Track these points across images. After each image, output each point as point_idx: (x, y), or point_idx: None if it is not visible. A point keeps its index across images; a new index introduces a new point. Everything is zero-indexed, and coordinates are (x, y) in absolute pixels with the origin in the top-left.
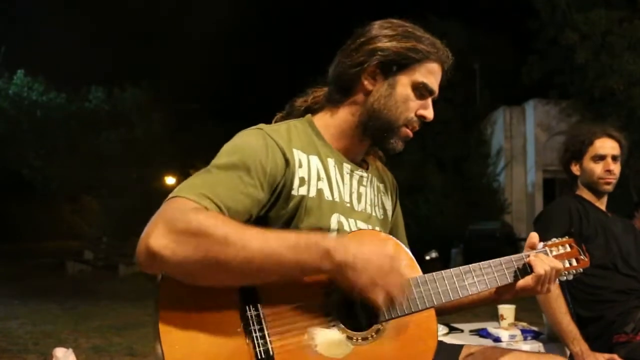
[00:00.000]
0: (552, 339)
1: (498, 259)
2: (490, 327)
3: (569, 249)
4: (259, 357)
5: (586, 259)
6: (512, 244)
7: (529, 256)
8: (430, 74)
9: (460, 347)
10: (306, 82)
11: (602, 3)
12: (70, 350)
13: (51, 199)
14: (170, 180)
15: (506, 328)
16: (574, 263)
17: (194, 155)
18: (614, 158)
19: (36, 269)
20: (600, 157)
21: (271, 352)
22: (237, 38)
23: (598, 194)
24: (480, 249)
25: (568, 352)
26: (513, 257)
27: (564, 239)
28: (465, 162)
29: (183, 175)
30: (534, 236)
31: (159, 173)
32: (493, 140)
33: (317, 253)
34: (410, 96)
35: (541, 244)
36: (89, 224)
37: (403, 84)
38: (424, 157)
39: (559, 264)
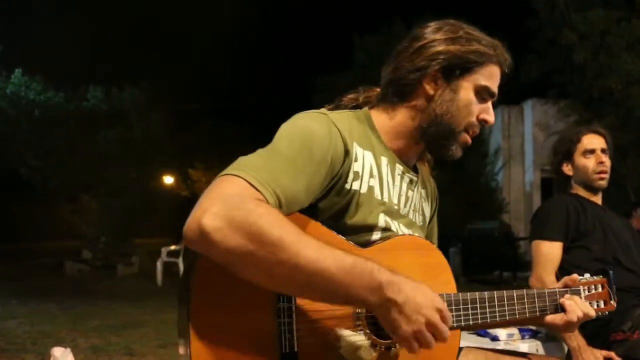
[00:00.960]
0: (550, 338)
1: (532, 290)
2: None
3: (600, 290)
4: (283, 351)
5: (614, 303)
6: (510, 244)
7: (562, 295)
8: (492, 77)
9: (460, 349)
10: (307, 83)
11: (601, 3)
12: (69, 349)
13: (50, 199)
14: (168, 179)
15: (504, 327)
16: (602, 305)
17: (193, 156)
18: (603, 151)
19: (35, 268)
20: (591, 151)
21: (296, 348)
22: (237, 38)
23: (593, 190)
24: (478, 249)
25: (566, 349)
26: (547, 291)
27: (597, 279)
28: (463, 161)
29: (182, 175)
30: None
31: (158, 173)
32: (491, 140)
33: (369, 283)
34: (473, 100)
35: (577, 279)
36: (88, 223)
37: (466, 88)
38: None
39: (591, 311)
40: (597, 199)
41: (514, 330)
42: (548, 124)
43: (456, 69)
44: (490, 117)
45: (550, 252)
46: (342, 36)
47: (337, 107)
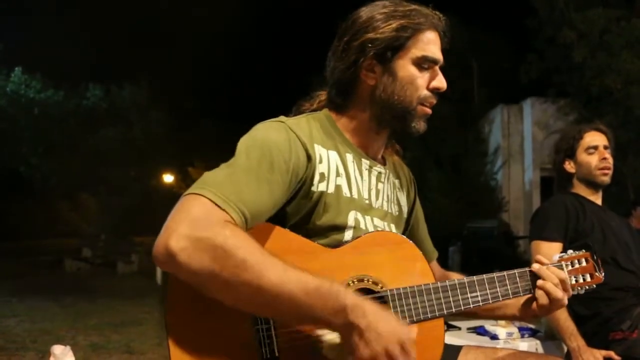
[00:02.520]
0: (550, 337)
1: (513, 270)
2: (488, 324)
3: (584, 264)
4: (265, 357)
5: (601, 275)
6: (509, 243)
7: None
8: (428, 44)
9: (460, 347)
10: (306, 81)
11: (600, 2)
12: (68, 347)
13: (49, 197)
14: (168, 178)
15: (504, 326)
16: (588, 279)
17: (193, 154)
18: (606, 148)
19: (34, 266)
20: (594, 148)
21: (277, 352)
22: (237, 36)
23: (595, 187)
24: (478, 248)
25: (565, 349)
26: (527, 269)
27: (580, 253)
28: (463, 160)
29: (181, 173)
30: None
31: (158, 171)
32: (491, 139)
33: (332, 306)
34: (415, 74)
35: (556, 257)
36: (87, 221)
37: (403, 66)
38: (424, 154)
39: (562, 274)
40: (598, 198)
41: (514, 329)
42: (547, 123)
43: (387, 51)
44: (439, 83)
45: (549, 252)
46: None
47: (297, 115)
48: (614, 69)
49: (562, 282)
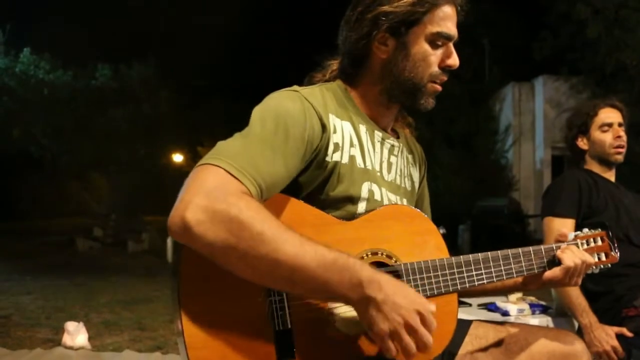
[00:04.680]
0: (561, 313)
1: (528, 247)
2: (499, 301)
3: (600, 243)
4: (277, 328)
5: (616, 255)
6: (519, 221)
7: (559, 247)
8: (444, 20)
9: (470, 322)
10: (315, 58)
11: None
12: (81, 324)
13: (60, 177)
14: (177, 157)
15: (514, 302)
16: (603, 258)
17: (202, 132)
18: (620, 125)
19: (47, 246)
20: (608, 125)
21: (289, 324)
22: (246, 13)
23: (608, 165)
24: (488, 226)
25: (577, 325)
26: (543, 247)
27: (596, 232)
28: (474, 138)
29: (191, 152)
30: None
31: (167, 150)
32: (501, 117)
33: (349, 280)
34: (428, 51)
35: (572, 234)
36: (98, 201)
37: (417, 41)
38: (433, 133)
39: (590, 258)
40: (611, 175)
41: (525, 306)
42: (559, 101)
43: (401, 26)
44: (452, 60)
45: (562, 229)
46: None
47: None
48: (629, 45)
49: (584, 263)
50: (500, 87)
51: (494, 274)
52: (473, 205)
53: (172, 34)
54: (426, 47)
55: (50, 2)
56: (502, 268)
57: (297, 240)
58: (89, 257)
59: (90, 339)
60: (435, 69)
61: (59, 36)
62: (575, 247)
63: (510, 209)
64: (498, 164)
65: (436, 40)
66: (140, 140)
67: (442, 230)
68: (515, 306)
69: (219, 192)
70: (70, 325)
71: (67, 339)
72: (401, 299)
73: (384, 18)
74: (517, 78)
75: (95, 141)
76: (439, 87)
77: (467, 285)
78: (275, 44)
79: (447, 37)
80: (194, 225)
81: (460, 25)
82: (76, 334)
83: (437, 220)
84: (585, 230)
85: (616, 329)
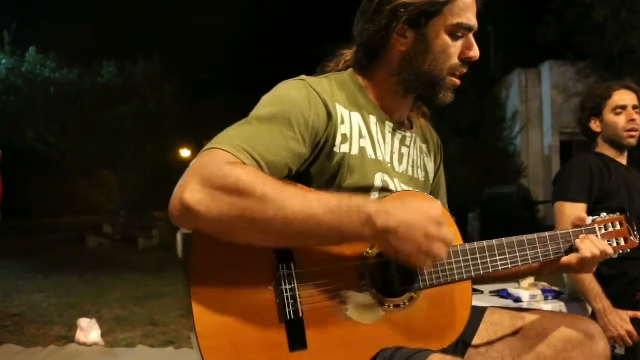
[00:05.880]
0: (574, 298)
1: (544, 233)
2: (511, 288)
3: (618, 227)
4: (288, 317)
5: (636, 240)
6: (529, 208)
7: (577, 235)
8: (464, 10)
9: (485, 309)
10: (321, 53)
11: None
12: (94, 320)
13: (68, 175)
14: (185, 152)
15: (527, 288)
16: (622, 243)
17: (208, 127)
18: (635, 108)
19: (56, 243)
20: (622, 108)
21: (300, 313)
22: (250, 8)
23: (621, 148)
24: (497, 214)
25: (590, 310)
26: (560, 233)
27: (615, 216)
28: (481, 126)
29: (198, 147)
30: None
31: (174, 146)
32: (508, 104)
33: (358, 218)
34: (448, 43)
35: (590, 219)
36: (107, 198)
37: (437, 33)
38: (439, 122)
39: (608, 248)
40: (623, 159)
41: (537, 292)
42: (567, 86)
43: (421, 17)
44: (473, 52)
45: (573, 213)
46: (358, 3)
47: (321, 75)
48: (636, 28)
49: (603, 253)
50: (506, 74)
51: (509, 261)
52: (482, 194)
53: (176, 30)
54: (446, 38)
55: (54, 1)
56: (518, 254)
57: (301, 193)
58: (99, 253)
59: (102, 335)
60: (455, 61)
61: (64, 35)
62: (595, 237)
63: (519, 196)
64: (506, 151)
65: (457, 31)
66: (146, 136)
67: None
68: (527, 292)
69: (213, 168)
70: (83, 322)
71: (80, 336)
72: (412, 217)
73: (403, 10)
74: (523, 64)
75: (102, 138)
76: (457, 81)
77: (482, 272)
78: (281, 36)
79: (468, 28)
80: (194, 205)
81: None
82: (89, 331)
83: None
84: (604, 214)
85: (630, 313)
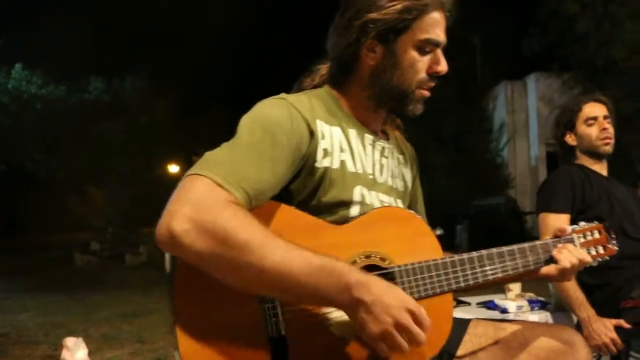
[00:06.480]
0: (560, 308)
1: (524, 244)
2: (497, 299)
3: (597, 236)
4: (271, 335)
5: (614, 247)
6: (517, 219)
7: (555, 245)
8: (432, 26)
9: (469, 320)
10: (314, 66)
11: None
12: (81, 339)
13: (56, 192)
14: (173, 168)
15: (513, 299)
16: (601, 250)
17: (197, 142)
18: (605, 118)
19: (44, 261)
20: (593, 119)
21: (283, 331)
22: (243, 19)
23: (598, 157)
24: (485, 225)
25: (575, 320)
26: (539, 243)
27: (593, 225)
28: (468, 138)
29: (187, 163)
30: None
31: (163, 161)
32: (495, 116)
33: (337, 284)
34: (416, 57)
35: (570, 228)
36: (95, 214)
37: (405, 49)
38: (425, 135)
39: (586, 257)
40: (602, 168)
41: (523, 302)
42: (552, 97)
43: (389, 33)
44: (440, 66)
45: (557, 224)
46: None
47: (299, 91)
48: (617, 40)
49: (582, 262)
50: (492, 85)
51: (489, 272)
52: (469, 205)
53: (165, 43)
54: (414, 53)
55: (41, 17)
56: (498, 266)
57: (283, 248)
58: (87, 271)
59: (90, 353)
60: (423, 75)
61: (50, 51)
62: (572, 245)
63: (506, 207)
64: (493, 163)
65: (424, 46)
66: (135, 152)
67: (439, 232)
68: (514, 303)
69: (204, 202)
70: (69, 341)
71: (66, 355)
72: (391, 299)
73: (372, 25)
74: (509, 76)
75: (90, 155)
76: (426, 93)
77: (463, 284)
78: (273, 51)
79: (435, 44)
80: (180, 235)
81: (450, 25)
82: (75, 350)
83: (433, 221)
84: (582, 223)
85: (614, 321)
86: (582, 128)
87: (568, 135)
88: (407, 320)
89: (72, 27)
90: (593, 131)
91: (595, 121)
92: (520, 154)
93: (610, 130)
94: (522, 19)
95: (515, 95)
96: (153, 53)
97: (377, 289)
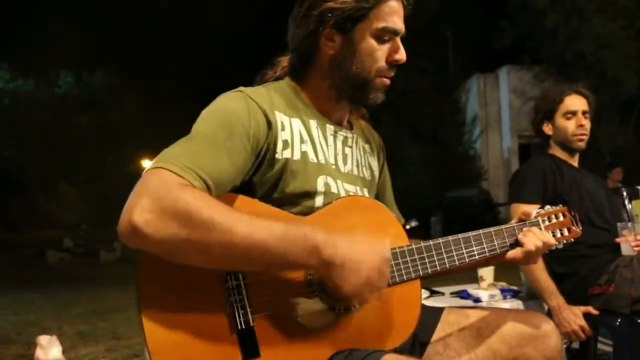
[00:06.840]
0: (531, 297)
1: (489, 228)
2: (470, 288)
3: (562, 218)
4: (239, 328)
5: (578, 229)
6: (490, 210)
7: (521, 229)
8: (390, 14)
9: (442, 309)
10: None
11: None
12: (55, 337)
13: (27, 189)
14: (147, 163)
15: (486, 288)
16: (566, 233)
17: (171, 137)
18: (584, 113)
19: (16, 260)
20: (572, 113)
21: (251, 323)
22: (217, 12)
23: (571, 151)
24: (459, 216)
25: (546, 307)
26: (504, 227)
27: (557, 208)
28: (441, 130)
29: None
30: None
31: (135, 157)
32: (468, 108)
33: (304, 247)
34: (374, 46)
35: (534, 212)
36: (67, 211)
37: (363, 37)
38: (399, 127)
39: (551, 239)
40: (574, 161)
41: (496, 292)
42: (524, 90)
43: (347, 21)
44: (399, 55)
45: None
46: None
47: (261, 84)
48: (586, 34)
49: (546, 245)
50: (465, 78)
51: (456, 258)
52: (443, 197)
53: (136, 37)
54: (372, 42)
55: (4, 10)
56: (464, 251)
57: (247, 219)
58: (60, 268)
59: (64, 351)
60: (382, 64)
61: (17, 45)
62: (537, 229)
63: (480, 199)
64: (466, 155)
65: (382, 35)
66: (106, 147)
67: (413, 223)
68: (486, 292)
69: (162, 190)
70: (43, 339)
71: (39, 354)
72: (357, 257)
73: (329, 14)
74: (481, 69)
75: (60, 151)
76: (387, 81)
77: (430, 270)
78: (247, 44)
79: (393, 32)
80: (142, 227)
81: (423, 18)
82: (49, 348)
83: (408, 213)
84: (547, 207)
85: (583, 308)
86: (560, 120)
87: (545, 124)
88: (376, 276)
89: (39, 19)
90: (570, 125)
91: (574, 116)
92: (493, 146)
93: (587, 126)
94: (494, 13)
95: (488, 87)
96: (123, 47)
97: (344, 245)
